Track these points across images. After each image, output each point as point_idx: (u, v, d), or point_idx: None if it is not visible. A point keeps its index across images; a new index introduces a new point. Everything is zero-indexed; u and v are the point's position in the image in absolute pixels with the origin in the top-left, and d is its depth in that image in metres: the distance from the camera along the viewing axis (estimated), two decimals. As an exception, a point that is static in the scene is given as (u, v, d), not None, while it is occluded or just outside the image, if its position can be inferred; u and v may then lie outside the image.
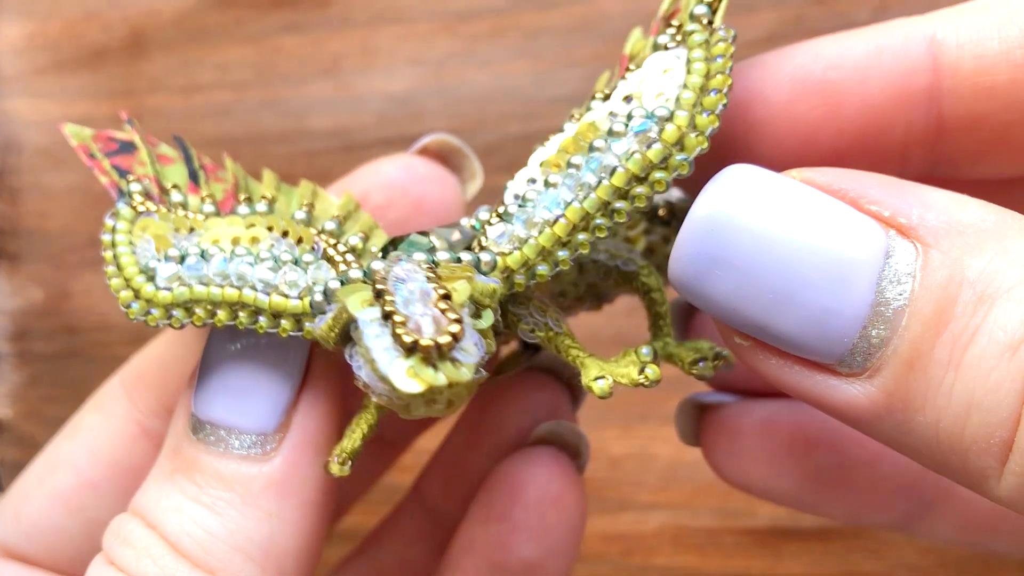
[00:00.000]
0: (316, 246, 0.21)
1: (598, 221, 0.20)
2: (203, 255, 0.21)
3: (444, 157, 0.26)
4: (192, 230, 0.22)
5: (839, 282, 0.16)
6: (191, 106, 0.45)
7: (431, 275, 0.19)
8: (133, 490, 0.22)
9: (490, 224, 0.21)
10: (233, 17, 0.46)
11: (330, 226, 0.22)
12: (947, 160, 0.21)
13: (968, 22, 0.20)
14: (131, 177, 0.22)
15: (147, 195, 0.22)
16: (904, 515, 0.27)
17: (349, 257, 0.21)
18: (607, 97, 0.22)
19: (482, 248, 0.20)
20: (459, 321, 0.18)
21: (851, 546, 0.39)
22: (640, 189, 0.19)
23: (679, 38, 0.22)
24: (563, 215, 0.20)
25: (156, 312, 0.20)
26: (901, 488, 0.26)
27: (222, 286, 0.20)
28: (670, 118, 0.19)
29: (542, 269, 0.20)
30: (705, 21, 0.21)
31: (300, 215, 0.23)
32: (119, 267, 0.21)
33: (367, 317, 0.18)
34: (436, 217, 0.25)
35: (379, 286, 0.18)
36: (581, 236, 0.20)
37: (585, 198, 0.19)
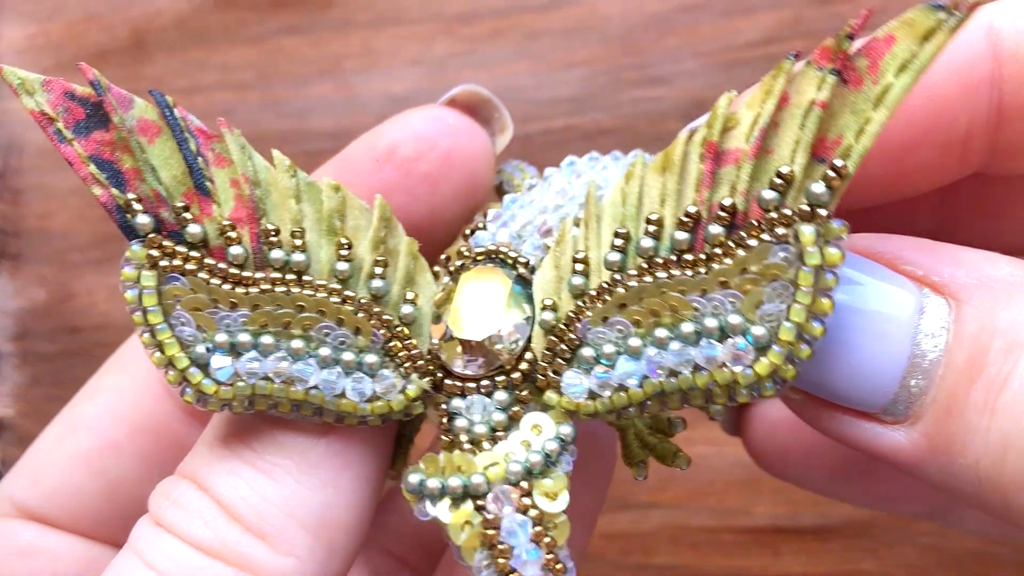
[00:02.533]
0: (375, 338, 0.21)
1: (670, 398, 0.20)
2: (259, 350, 0.20)
3: (473, 108, 0.25)
4: (234, 305, 0.20)
5: (879, 338, 0.18)
6: (192, 107, 0.45)
7: (528, 503, 0.20)
8: (157, 452, 0.22)
9: (561, 359, 0.21)
10: (234, 18, 0.46)
11: (377, 285, 0.21)
12: (1006, 150, 0.22)
13: None
14: (132, 197, 0.20)
15: (159, 228, 0.20)
16: (934, 506, 0.27)
17: (409, 341, 0.21)
18: (691, 225, 0.20)
19: (551, 386, 0.21)
20: (564, 570, 0.20)
21: (849, 545, 0.40)
22: (720, 393, 0.19)
23: (791, 237, 0.19)
24: (640, 386, 0.20)
25: (213, 402, 0.20)
26: None
27: (285, 386, 0.20)
28: (766, 348, 0.18)
29: (608, 417, 0.21)
30: (822, 212, 0.18)
31: (342, 267, 0.21)
32: (159, 345, 0.20)
33: (473, 562, 0.20)
34: (467, 170, 0.24)
35: (484, 512, 0.20)
36: (650, 402, 0.20)
37: (666, 380, 0.20)
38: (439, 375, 0.21)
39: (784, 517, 0.39)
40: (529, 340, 0.21)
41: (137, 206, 0.20)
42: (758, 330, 0.18)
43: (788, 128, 0.19)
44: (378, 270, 0.21)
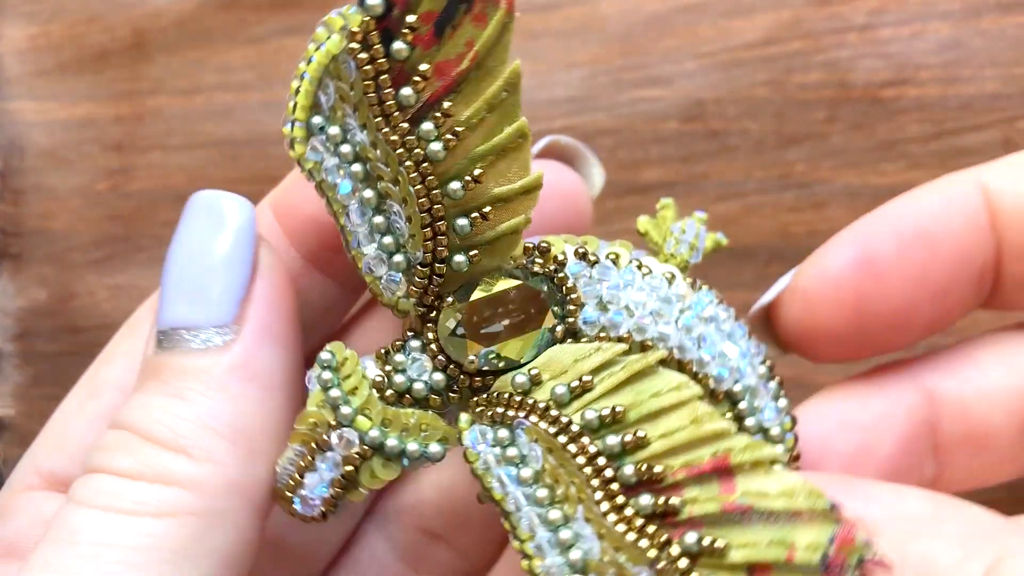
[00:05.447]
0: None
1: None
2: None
3: (564, 157, 0.26)
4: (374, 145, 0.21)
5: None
6: (193, 107, 0.46)
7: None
8: None
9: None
10: (235, 19, 0.46)
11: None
12: (1007, 285, 0.25)
13: (1017, 173, 0.25)
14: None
15: (388, 11, 0.20)
16: None
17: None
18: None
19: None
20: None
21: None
22: None
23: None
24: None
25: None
26: None
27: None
28: None
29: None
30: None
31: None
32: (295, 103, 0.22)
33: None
34: (569, 217, 0.25)
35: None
36: None
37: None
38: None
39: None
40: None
41: None
42: None
43: None
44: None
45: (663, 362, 0.20)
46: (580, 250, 0.22)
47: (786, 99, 0.39)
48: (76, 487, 0.21)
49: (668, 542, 0.18)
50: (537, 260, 0.22)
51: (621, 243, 0.23)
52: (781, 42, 0.40)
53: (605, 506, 0.19)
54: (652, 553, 0.18)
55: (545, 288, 0.22)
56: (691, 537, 0.18)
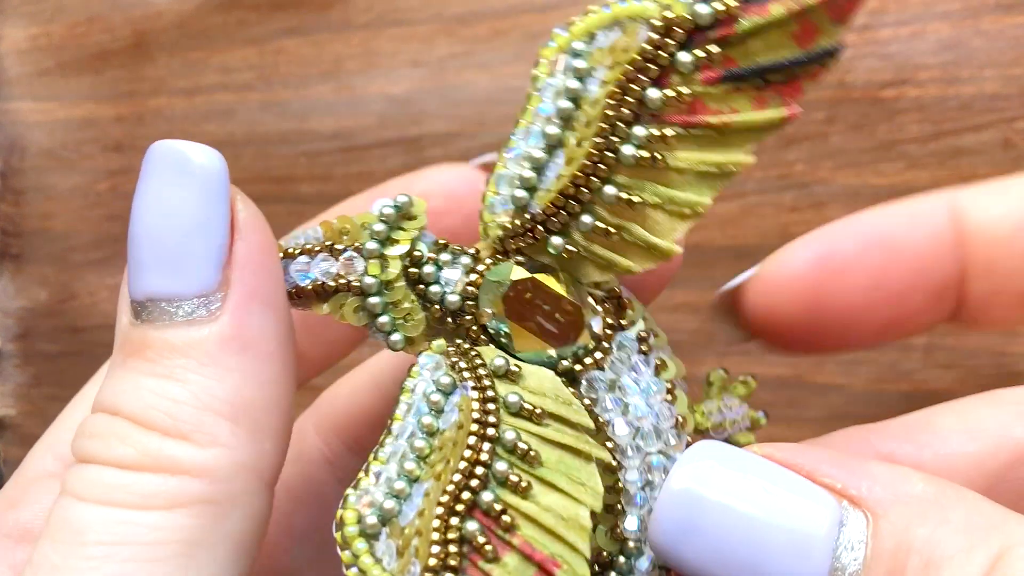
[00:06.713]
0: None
1: None
2: None
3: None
4: None
5: (799, 550, 0.18)
6: (193, 108, 0.46)
7: None
8: None
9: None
10: (235, 19, 0.46)
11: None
12: (972, 301, 0.26)
13: (988, 198, 0.25)
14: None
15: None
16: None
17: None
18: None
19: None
20: None
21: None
22: None
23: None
24: None
25: None
26: None
27: None
28: None
29: None
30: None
31: None
32: None
33: None
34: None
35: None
36: None
37: None
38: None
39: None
40: None
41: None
42: None
43: None
44: None
45: (603, 465, 0.21)
46: (643, 334, 0.22)
47: (786, 99, 0.39)
48: (71, 478, 0.20)
49: (453, 569, 0.19)
50: (607, 306, 0.22)
51: (671, 358, 0.23)
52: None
53: (444, 499, 0.19)
54: (433, 562, 0.19)
55: (590, 330, 0.22)
56: None
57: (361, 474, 0.20)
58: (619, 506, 0.21)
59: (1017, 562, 0.17)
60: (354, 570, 0.19)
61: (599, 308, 0.22)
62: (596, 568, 0.22)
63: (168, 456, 0.20)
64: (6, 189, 0.48)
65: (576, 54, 0.21)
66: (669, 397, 0.22)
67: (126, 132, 0.47)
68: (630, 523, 0.21)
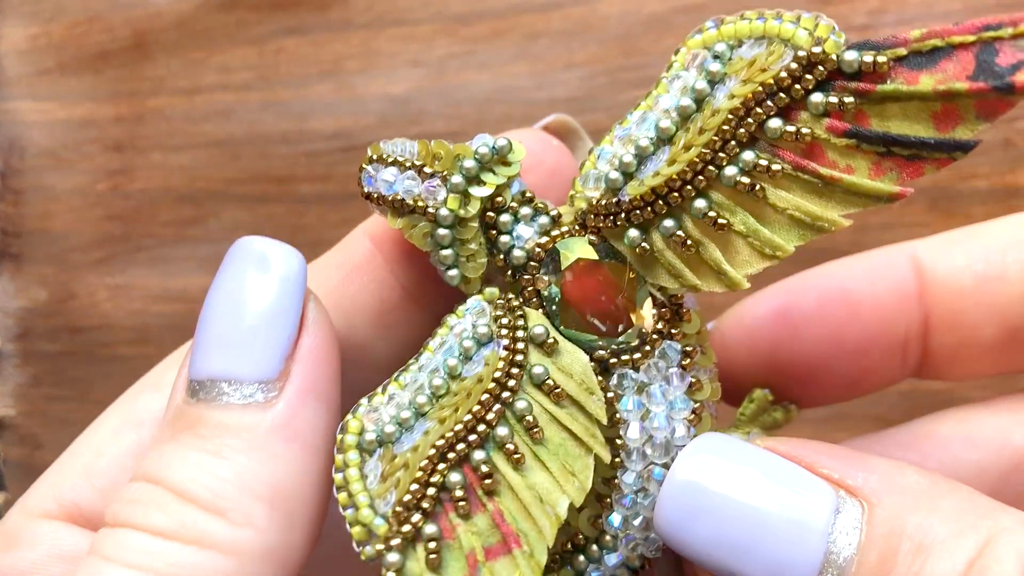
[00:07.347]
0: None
1: None
2: None
3: (562, 135, 0.27)
4: None
5: (796, 535, 0.19)
6: (193, 107, 0.46)
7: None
8: None
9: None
10: (235, 19, 0.46)
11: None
12: (936, 355, 0.26)
13: (949, 249, 0.26)
14: None
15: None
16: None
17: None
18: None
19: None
20: None
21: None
22: None
23: None
24: None
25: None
26: None
27: None
28: None
29: None
30: None
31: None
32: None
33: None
34: (563, 188, 0.25)
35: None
36: None
37: None
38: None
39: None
40: None
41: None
42: None
43: None
44: None
45: (601, 461, 0.21)
46: (689, 349, 0.22)
47: (786, 99, 0.39)
48: (103, 541, 0.20)
49: (424, 511, 0.19)
50: (665, 311, 0.22)
51: (711, 381, 0.23)
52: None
53: (440, 443, 0.20)
54: (407, 498, 0.19)
55: (638, 330, 0.22)
56: (430, 529, 0.19)
57: (379, 389, 0.21)
58: (609, 500, 0.22)
59: (1004, 548, 0.18)
60: (340, 476, 0.20)
61: (655, 311, 0.22)
62: (570, 546, 0.22)
63: (201, 530, 0.20)
64: (6, 189, 0.48)
65: (716, 56, 0.21)
66: (692, 417, 0.22)
67: (126, 132, 0.47)
68: (614, 519, 0.21)
